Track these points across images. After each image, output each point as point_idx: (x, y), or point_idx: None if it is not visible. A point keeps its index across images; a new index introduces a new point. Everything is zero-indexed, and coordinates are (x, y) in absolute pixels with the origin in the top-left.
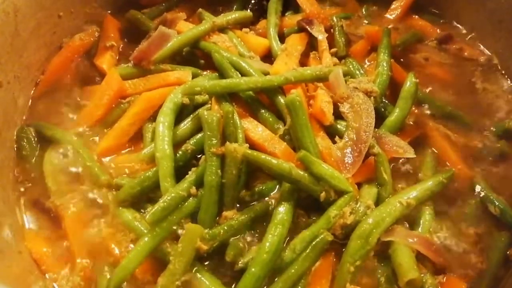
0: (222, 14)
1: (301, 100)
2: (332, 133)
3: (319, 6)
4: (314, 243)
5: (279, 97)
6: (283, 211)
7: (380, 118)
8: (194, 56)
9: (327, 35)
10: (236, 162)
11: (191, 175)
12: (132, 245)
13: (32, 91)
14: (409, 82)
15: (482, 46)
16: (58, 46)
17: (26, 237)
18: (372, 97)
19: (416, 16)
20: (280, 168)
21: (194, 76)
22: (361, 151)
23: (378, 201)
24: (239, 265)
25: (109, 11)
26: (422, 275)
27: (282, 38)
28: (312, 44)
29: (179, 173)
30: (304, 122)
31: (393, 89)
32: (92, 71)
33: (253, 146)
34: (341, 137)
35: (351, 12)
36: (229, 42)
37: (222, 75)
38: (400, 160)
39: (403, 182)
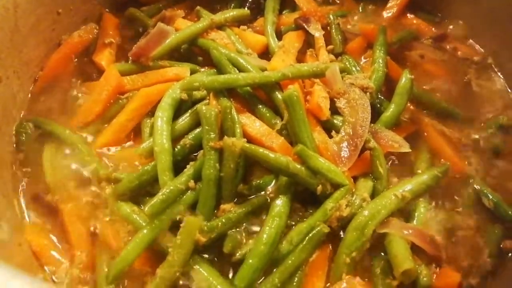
0: (220, 12)
1: (299, 95)
2: (328, 128)
3: (316, 4)
4: (310, 235)
5: (277, 92)
6: (280, 204)
7: (376, 114)
8: (192, 53)
9: (323, 32)
10: (234, 156)
11: (189, 169)
12: (130, 238)
13: (31, 87)
14: (405, 78)
15: (476, 45)
16: (57, 43)
17: (26, 230)
18: (368, 93)
19: (412, 15)
20: (278, 161)
21: (192, 72)
22: (357, 145)
23: (374, 194)
24: (237, 256)
25: (108, 9)
26: (417, 266)
27: (279, 36)
28: (309, 42)
29: (177, 168)
30: (301, 116)
31: (388, 85)
32: (91, 68)
33: (250, 140)
34: (337, 132)
35: (347, 10)
36: (227, 39)
37: (220, 71)
38: (396, 155)
39: (399, 176)
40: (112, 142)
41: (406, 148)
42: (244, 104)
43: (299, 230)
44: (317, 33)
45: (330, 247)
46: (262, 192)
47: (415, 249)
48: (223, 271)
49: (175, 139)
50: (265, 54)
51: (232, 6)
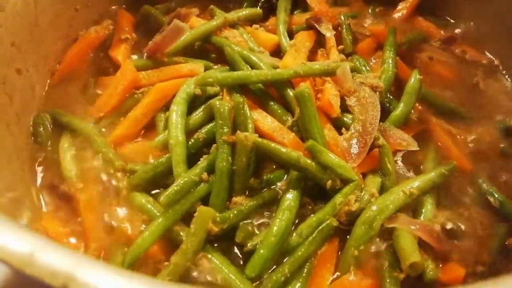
0: (233, 11)
1: (310, 92)
2: (338, 126)
3: (327, 5)
4: (320, 228)
5: (288, 90)
6: (290, 198)
7: (385, 113)
8: (206, 50)
9: (334, 32)
10: (246, 150)
11: (202, 162)
12: (144, 227)
13: (49, 80)
14: (414, 78)
15: (484, 48)
16: (74, 38)
17: (43, 217)
18: (377, 92)
19: (421, 18)
20: (289, 156)
21: (206, 69)
22: (367, 142)
23: (382, 190)
24: (248, 247)
25: (124, 6)
26: (424, 260)
27: (291, 35)
28: (320, 42)
29: (191, 161)
30: (313, 113)
31: (397, 85)
32: (107, 63)
33: (262, 136)
34: (347, 129)
35: (358, 12)
36: (239, 37)
37: (233, 68)
38: (405, 153)
39: (407, 173)
40: (127, 135)
41: (414, 146)
42: (256, 101)
43: (309, 223)
44: (328, 33)
45: (339, 241)
46: (273, 186)
47: (421, 245)
48: (234, 260)
49: (189, 133)
50: (277, 52)
51: (245, 5)
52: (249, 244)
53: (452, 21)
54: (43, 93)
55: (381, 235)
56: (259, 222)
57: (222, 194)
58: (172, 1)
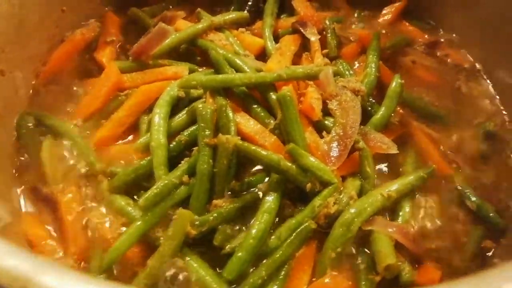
0: (220, 14)
1: (292, 96)
2: (320, 129)
3: (313, 10)
4: (298, 230)
5: (271, 93)
6: (270, 200)
7: (367, 116)
8: (191, 53)
9: (319, 36)
10: (227, 152)
11: (184, 164)
12: (124, 229)
13: (34, 81)
14: (395, 82)
15: (467, 52)
16: (60, 39)
17: (23, 220)
18: (359, 96)
19: (406, 22)
20: (270, 158)
21: (191, 71)
22: (347, 146)
23: (361, 193)
24: (226, 249)
25: (111, 8)
26: (400, 262)
27: (277, 39)
28: (305, 45)
29: (173, 163)
30: (294, 116)
31: (380, 89)
32: (92, 65)
33: (244, 138)
34: (328, 132)
35: (343, 16)
36: (225, 41)
37: (218, 71)
38: (385, 156)
39: (385, 177)
40: (111, 137)
41: (393, 149)
42: (239, 103)
43: (288, 226)
44: (313, 37)
45: (317, 243)
46: (254, 189)
47: (398, 247)
48: (214, 263)
49: (172, 135)
50: (262, 56)
51: (232, 9)
52: (227, 247)
53: (436, 25)
54: (28, 95)
55: (359, 238)
56: (238, 225)
57: (202, 197)
58: (160, 3)
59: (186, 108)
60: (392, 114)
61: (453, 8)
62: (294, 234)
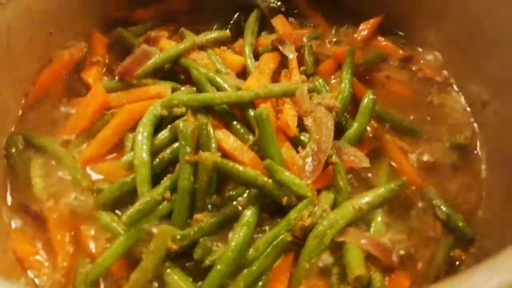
0: (202, 34)
1: (268, 114)
2: (296, 144)
3: (292, 27)
4: (274, 242)
5: (250, 110)
6: (249, 214)
7: (341, 131)
8: (175, 71)
9: (297, 54)
10: (207, 169)
11: (166, 181)
12: (109, 245)
13: (23, 101)
14: (367, 98)
15: (440, 66)
16: (49, 60)
17: (12, 237)
18: (333, 112)
19: (382, 37)
20: (247, 174)
21: (174, 90)
22: (321, 160)
23: (335, 206)
24: (206, 263)
25: (97, 29)
26: (372, 272)
27: (258, 56)
28: (284, 63)
29: (157, 179)
30: (270, 133)
31: (354, 104)
32: (80, 85)
33: (225, 155)
34: (304, 147)
35: (321, 33)
36: (207, 59)
37: (199, 89)
38: (359, 169)
39: (361, 189)
40: (97, 155)
41: (365, 163)
42: (220, 121)
43: (265, 238)
44: (291, 55)
45: (294, 254)
46: (234, 203)
47: (370, 257)
48: (196, 276)
49: (155, 152)
50: (243, 73)
51: (214, 28)
52: (207, 260)
53: (410, 40)
54: (17, 115)
55: (332, 249)
56: (219, 238)
57: (183, 213)
58: (145, 23)
59: (169, 126)
60: (367, 128)
61: (427, 23)
62: (271, 246)
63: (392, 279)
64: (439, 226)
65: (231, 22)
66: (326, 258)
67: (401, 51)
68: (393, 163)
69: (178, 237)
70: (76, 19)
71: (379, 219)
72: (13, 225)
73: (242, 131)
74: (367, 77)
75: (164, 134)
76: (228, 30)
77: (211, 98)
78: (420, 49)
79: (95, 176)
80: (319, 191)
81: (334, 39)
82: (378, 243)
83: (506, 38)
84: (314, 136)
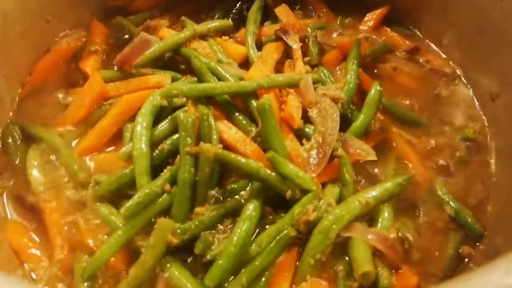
0: (203, 22)
1: (271, 105)
2: (301, 136)
3: (296, 17)
4: (278, 237)
5: (252, 101)
6: (251, 208)
7: (347, 123)
8: (175, 61)
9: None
10: (208, 161)
11: (166, 173)
12: (107, 238)
13: (19, 91)
14: (374, 90)
15: (447, 58)
16: (46, 49)
17: (8, 229)
18: (339, 103)
19: (388, 28)
20: (249, 167)
21: (174, 80)
22: (326, 153)
23: (340, 200)
24: (208, 257)
25: (96, 17)
26: (379, 268)
27: (261, 46)
28: (287, 53)
29: (156, 171)
30: (273, 125)
31: (361, 96)
32: (78, 74)
33: (226, 146)
34: (308, 140)
35: (326, 23)
36: (208, 49)
37: (200, 79)
38: (365, 162)
39: (367, 183)
40: (95, 146)
41: (372, 156)
42: (222, 112)
43: (268, 233)
44: (295, 45)
45: (298, 249)
46: (236, 196)
47: (377, 253)
48: (197, 271)
49: (155, 144)
50: (245, 63)
51: (216, 17)
52: (208, 255)
53: (417, 31)
54: (13, 105)
55: (338, 244)
56: (220, 232)
57: (184, 205)
58: (145, 12)
59: (169, 117)
60: (372, 121)
61: (434, 15)
62: (274, 241)
63: (400, 275)
64: (447, 222)
65: (234, 11)
66: (332, 254)
67: (407, 42)
68: (400, 157)
69: (179, 231)
70: (74, 7)
71: (386, 214)
72: (10, 216)
73: (244, 122)
74: (373, 69)
75: (164, 125)
76: (230, 19)
77: (212, 88)
78: (427, 41)
79: (92, 167)
80: (324, 185)
81: (339, 30)
82: (385, 238)
83: None
84: (319, 128)
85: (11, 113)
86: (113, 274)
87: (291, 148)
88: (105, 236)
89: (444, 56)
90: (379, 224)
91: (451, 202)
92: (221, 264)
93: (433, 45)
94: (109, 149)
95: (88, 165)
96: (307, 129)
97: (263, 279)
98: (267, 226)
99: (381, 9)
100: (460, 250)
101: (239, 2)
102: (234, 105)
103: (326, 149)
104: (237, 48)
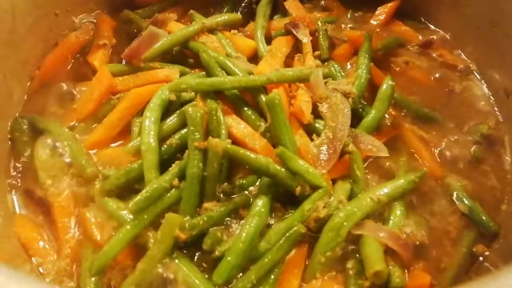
0: (212, 16)
1: (280, 99)
2: (311, 131)
3: (306, 11)
4: (287, 234)
5: (262, 96)
6: (260, 204)
7: (358, 118)
8: (184, 55)
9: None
10: (217, 156)
11: (174, 168)
12: (114, 233)
13: (28, 85)
14: (386, 84)
15: (461, 53)
16: (55, 43)
17: (16, 223)
18: (350, 98)
19: (400, 22)
20: (258, 162)
21: (182, 74)
22: (336, 149)
23: (351, 197)
24: (216, 253)
25: (105, 10)
26: (391, 267)
27: (270, 40)
28: (297, 47)
29: (164, 166)
30: (283, 120)
31: (372, 91)
32: (86, 68)
33: (235, 141)
34: (319, 135)
35: (336, 17)
36: (217, 43)
37: (209, 73)
38: (377, 159)
39: (378, 180)
40: (103, 140)
41: (384, 152)
42: (231, 106)
43: (278, 229)
44: (305, 39)
45: (308, 247)
46: (245, 192)
47: (389, 251)
48: (205, 267)
49: (163, 138)
50: (255, 58)
51: (225, 10)
52: (217, 251)
53: (430, 25)
54: (22, 98)
55: (349, 242)
56: (229, 227)
57: (192, 200)
58: (153, 5)
59: (178, 111)
60: (385, 116)
61: (446, 8)
62: (283, 238)
63: (412, 274)
64: (461, 220)
65: (243, 4)
66: (343, 252)
67: (420, 37)
68: (412, 153)
69: (187, 226)
70: (82, 1)
71: (398, 211)
72: (18, 211)
73: (253, 117)
74: (385, 63)
75: (172, 119)
76: (239, 12)
77: (221, 82)
78: (439, 34)
79: (101, 161)
80: (334, 181)
81: (350, 24)
82: (398, 237)
83: None
84: (330, 123)
85: (20, 107)
86: (120, 269)
87: (301, 143)
88: (113, 231)
89: (457, 50)
90: (391, 222)
91: (464, 200)
92: (230, 260)
93: (446, 39)
94: (117, 143)
95: (96, 159)
96: (317, 125)
97: (272, 276)
98: (275, 223)
99: (392, 2)
100: (473, 249)
101: None
102: (243, 100)
103: (336, 144)
104: (246, 42)
